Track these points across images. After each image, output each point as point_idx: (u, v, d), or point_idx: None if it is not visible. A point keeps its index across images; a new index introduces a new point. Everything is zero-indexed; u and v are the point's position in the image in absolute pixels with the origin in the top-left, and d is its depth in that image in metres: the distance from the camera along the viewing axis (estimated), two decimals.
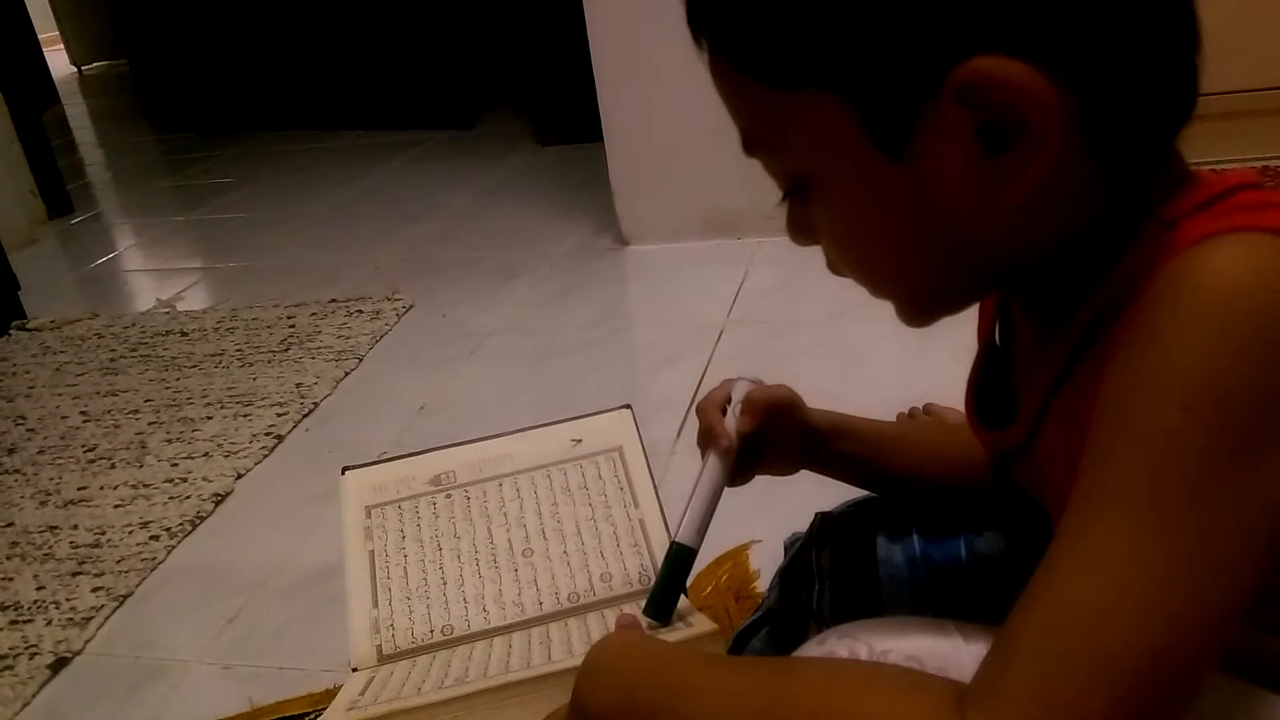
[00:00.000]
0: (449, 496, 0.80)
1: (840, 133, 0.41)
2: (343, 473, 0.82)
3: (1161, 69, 0.40)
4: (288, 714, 0.86)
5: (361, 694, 0.63)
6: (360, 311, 1.69)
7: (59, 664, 0.97)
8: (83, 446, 1.38)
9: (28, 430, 1.46)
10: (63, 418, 1.48)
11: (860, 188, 0.43)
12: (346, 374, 1.49)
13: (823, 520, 0.72)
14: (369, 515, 0.79)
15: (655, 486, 0.79)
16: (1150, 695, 0.33)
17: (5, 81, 2.33)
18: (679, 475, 1.07)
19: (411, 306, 1.69)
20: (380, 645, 0.72)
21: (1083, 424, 0.39)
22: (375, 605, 0.74)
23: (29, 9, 3.78)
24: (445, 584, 0.75)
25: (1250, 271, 0.36)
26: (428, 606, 0.74)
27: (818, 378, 1.24)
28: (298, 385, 1.46)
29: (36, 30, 4.18)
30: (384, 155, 2.69)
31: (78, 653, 0.99)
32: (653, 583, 0.65)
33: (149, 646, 0.99)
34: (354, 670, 0.71)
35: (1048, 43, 0.37)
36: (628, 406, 0.85)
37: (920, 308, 0.47)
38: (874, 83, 0.39)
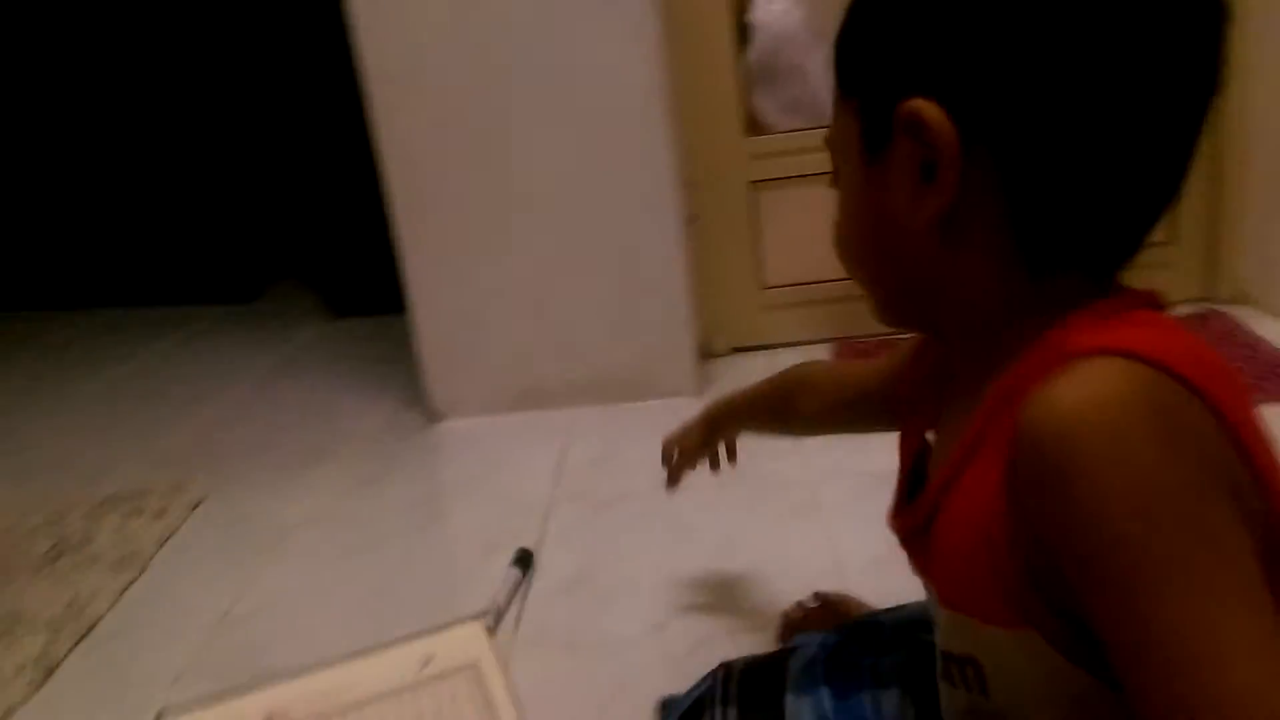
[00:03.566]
0: None
1: (852, 131, 0.51)
2: (156, 719, 0.72)
3: (1104, 191, 0.45)
4: None
5: None
6: (141, 510, 1.53)
7: None
8: None
9: None
10: None
11: (851, 177, 0.52)
12: (129, 584, 1.33)
13: (726, 673, 0.70)
14: None
15: (517, 704, 0.74)
16: None
17: None
18: (527, 671, 1.01)
19: (202, 500, 1.55)
20: None
21: (969, 522, 0.47)
22: None
23: None
24: None
25: (1112, 387, 0.41)
26: None
27: (650, 550, 1.24)
28: (70, 602, 1.29)
29: None
30: (156, 332, 2.52)
31: None
32: None
33: None
34: None
35: (977, 110, 0.44)
36: (479, 616, 0.80)
37: (880, 309, 0.56)
38: (867, 97, 0.49)
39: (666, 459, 1.00)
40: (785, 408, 0.88)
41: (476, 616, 0.80)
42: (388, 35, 1.58)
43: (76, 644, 1.20)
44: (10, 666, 1.16)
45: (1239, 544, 0.40)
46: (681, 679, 0.91)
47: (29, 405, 2.12)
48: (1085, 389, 0.41)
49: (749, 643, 1.00)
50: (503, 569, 1.20)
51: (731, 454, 1.00)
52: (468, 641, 0.78)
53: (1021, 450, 0.43)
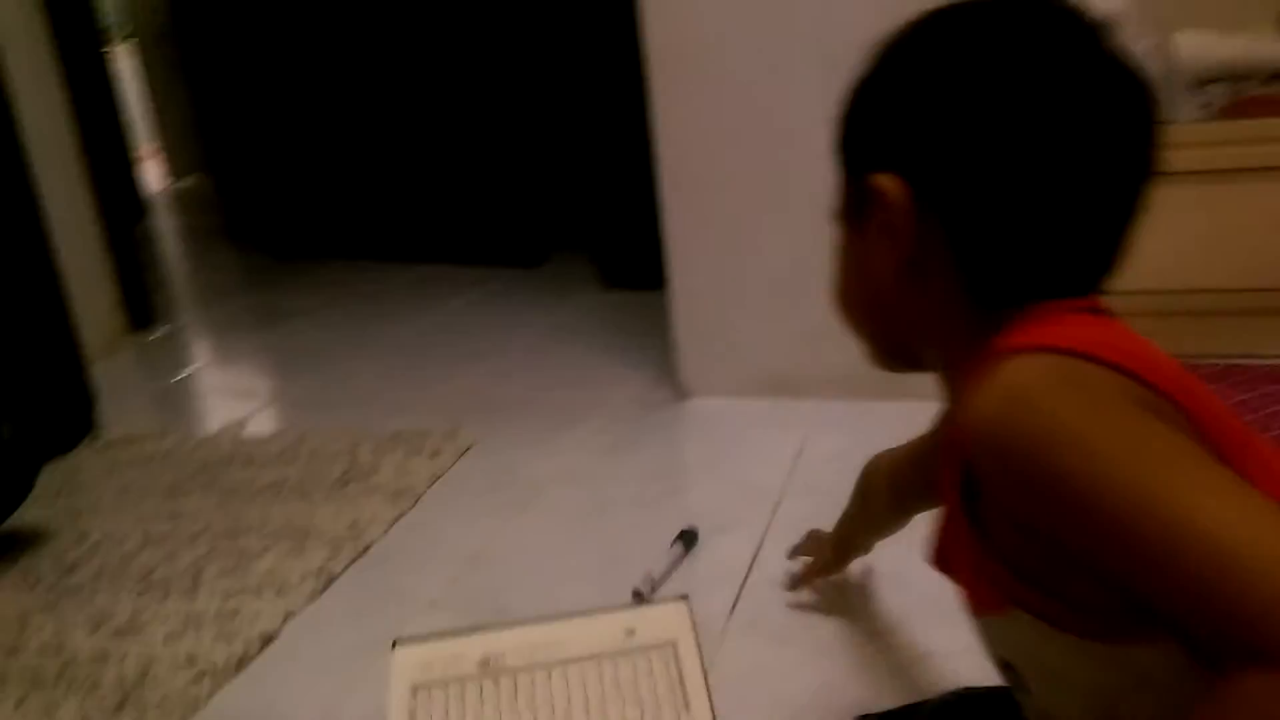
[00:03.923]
0: (496, 683, 0.79)
1: (845, 202, 0.62)
2: (393, 646, 0.82)
3: (1034, 248, 0.55)
4: None
5: None
6: (420, 449, 1.71)
7: None
8: (139, 572, 1.40)
9: (89, 549, 1.48)
10: (123, 539, 1.50)
11: (844, 240, 0.63)
12: (401, 514, 1.50)
13: None
14: (415, 695, 0.78)
15: (708, 688, 0.78)
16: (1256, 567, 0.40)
17: (101, 194, 2.45)
18: (731, 658, 1.05)
19: (470, 447, 1.70)
20: None
21: (954, 533, 0.58)
22: None
23: (132, 119, 4.03)
24: None
25: (1023, 376, 0.49)
26: None
27: (881, 556, 1.22)
28: (352, 524, 1.47)
29: (136, 142, 4.44)
30: (454, 289, 2.77)
31: None
32: None
33: None
34: None
35: (928, 183, 0.55)
36: (685, 598, 0.84)
37: (873, 353, 0.67)
38: (849, 172, 0.61)
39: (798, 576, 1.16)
40: (896, 510, 0.97)
41: (681, 597, 0.84)
42: (674, 16, 1.64)
43: (352, 562, 1.38)
44: (297, 574, 1.35)
45: (1180, 437, 0.45)
46: (890, 694, 0.91)
47: (346, 344, 2.41)
48: (1002, 382, 0.49)
49: (969, 666, 0.98)
50: (664, 545, 1.27)
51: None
52: (670, 620, 0.82)
53: (968, 453, 0.51)
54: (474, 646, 0.82)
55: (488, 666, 0.80)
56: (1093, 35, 0.53)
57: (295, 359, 2.38)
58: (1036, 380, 0.48)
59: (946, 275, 0.57)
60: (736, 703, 0.99)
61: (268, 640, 1.22)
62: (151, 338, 2.60)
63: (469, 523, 1.46)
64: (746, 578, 1.22)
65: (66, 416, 1.88)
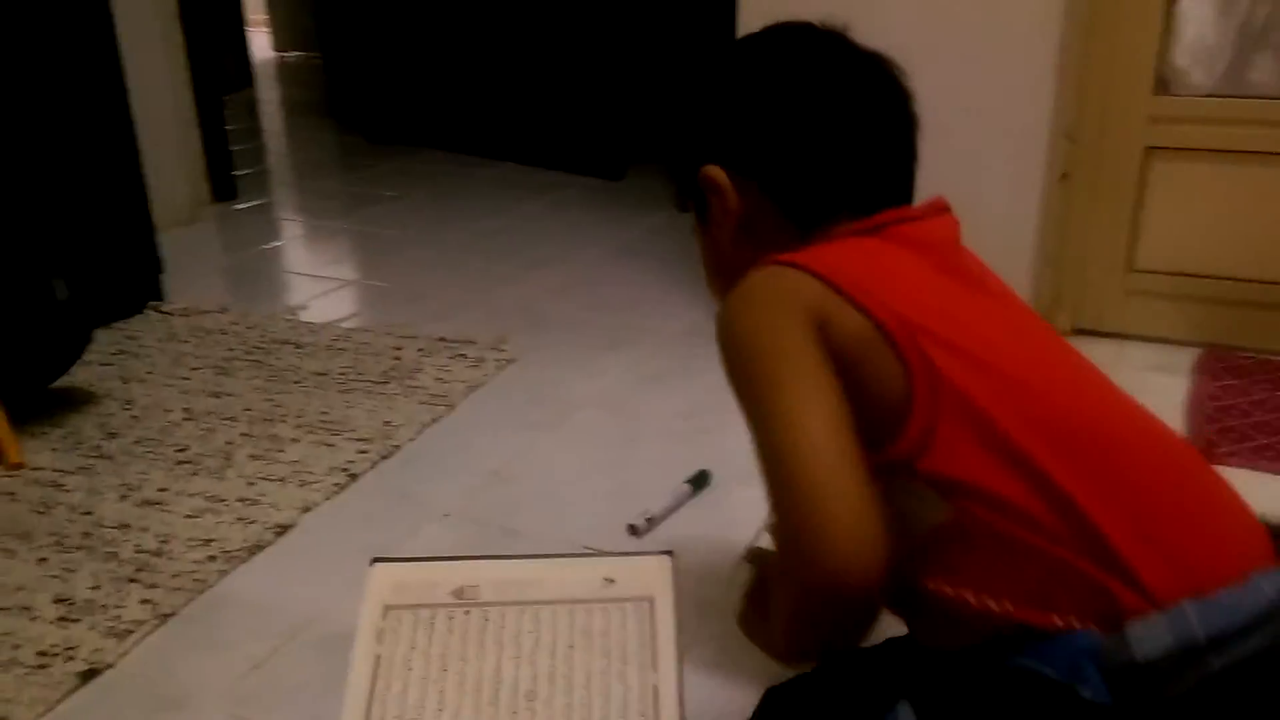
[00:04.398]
0: (468, 613, 0.78)
1: (694, 209, 0.79)
2: (371, 563, 0.81)
3: (828, 186, 0.73)
4: None
5: None
6: (464, 356, 1.70)
7: (89, 674, 0.99)
8: (175, 445, 1.43)
9: (132, 417, 1.52)
10: (166, 411, 1.54)
11: (701, 238, 0.80)
12: (434, 420, 1.49)
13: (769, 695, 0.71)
14: (385, 615, 0.77)
15: (679, 653, 0.75)
16: (804, 492, 0.59)
17: (196, 61, 2.46)
18: (726, 616, 1.02)
19: (512, 361, 1.69)
20: None
21: None
22: (368, 718, 0.72)
23: None
24: (441, 711, 0.72)
25: (758, 276, 0.68)
26: None
27: None
28: (385, 423, 1.48)
29: (246, 12, 4.46)
30: (532, 194, 2.74)
31: (109, 665, 1.01)
32: None
33: (173, 675, 1.00)
34: None
35: (739, 161, 0.74)
36: (669, 553, 0.81)
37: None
38: (688, 173, 0.77)
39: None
40: None
41: (665, 552, 0.81)
42: None
43: (378, 463, 1.38)
44: (325, 466, 1.36)
45: (815, 365, 0.62)
46: None
47: (416, 236, 2.40)
48: (738, 287, 0.68)
49: None
50: (677, 483, 1.24)
51: None
52: (651, 574, 0.79)
53: None
54: (451, 575, 0.80)
55: (461, 596, 0.79)
56: (837, 36, 0.76)
57: (365, 247, 2.39)
58: (751, 282, 0.67)
59: (772, 220, 0.73)
60: (716, 666, 0.97)
61: (283, 531, 1.23)
62: (233, 209, 2.63)
63: (497, 437, 1.45)
64: (759, 534, 1.18)
65: (131, 282, 1.92)
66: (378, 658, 0.75)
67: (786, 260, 0.66)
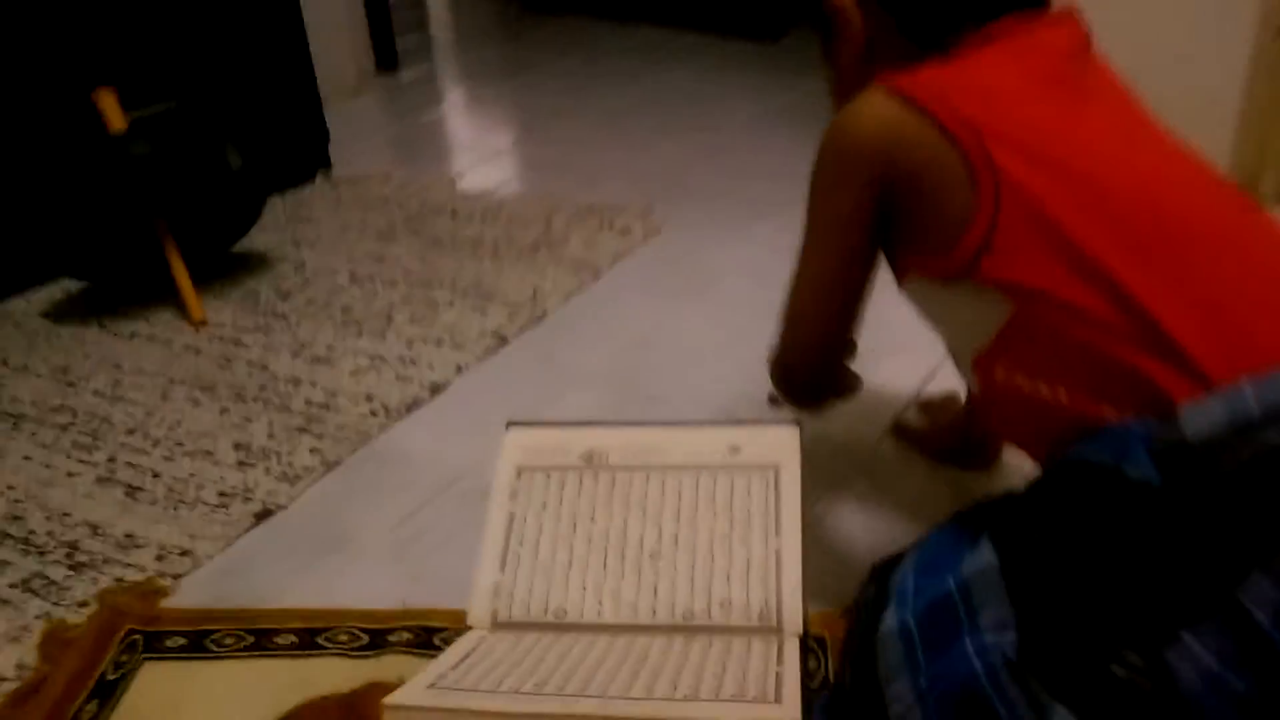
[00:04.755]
0: (596, 477, 0.80)
1: (823, 47, 0.83)
2: (506, 427, 0.84)
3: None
4: (431, 624, 0.92)
5: (455, 667, 0.66)
6: (610, 225, 1.70)
7: (263, 515, 1.09)
8: (341, 307, 1.51)
9: (303, 279, 1.61)
10: (333, 274, 1.62)
11: (830, 75, 0.84)
12: (580, 288, 1.51)
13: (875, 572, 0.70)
14: (519, 476, 0.81)
15: (803, 520, 0.75)
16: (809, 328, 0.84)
17: None
18: (885, 479, 1.02)
19: (660, 229, 1.68)
20: (496, 611, 0.74)
21: None
22: (502, 569, 0.76)
23: None
24: (570, 566, 0.75)
25: (849, 110, 0.74)
26: (549, 585, 0.75)
27: None
28: (534, 290, 1.51)
29: None
30: (684, 57, 2.66)
31: (281, 507, 1.10)
32: None
33: (337, 519, 1.08)
34: (469, 628, 0.74)
35: None
36: (798, 423, 0.80)
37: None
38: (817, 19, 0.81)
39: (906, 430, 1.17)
40: None
41: (794, 422, 0.80)
42: None
43: (526, 328, 1.42)
44: (475, 331, 1.41)
45: (856, 234, 0.76)
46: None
47: (570, 103, 2.39)
48: (829, 127, 0.76)
49: None
50: None
51: None
52: (778, 443, 0.79)
53: None
54: (581, 439, 0.82)
55: (590, 460, 0.81)
56: None
57: (520, 114, 2.40)
58: (830, 131, 0.77)
59: (893, 39, 0.76)
60: (844, 539, 0.97)
61: (437, 389, 1.29)
62: (397, 79, 2.68)
63: (642, 305, 1.46)
64: (908, 405, 1.16)
65: (301, 151, 2.00)
66: (511, 515, 0.78)
67: (882, 83, 0.72)
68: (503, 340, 1.39)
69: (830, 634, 0.85)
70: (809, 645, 0.83)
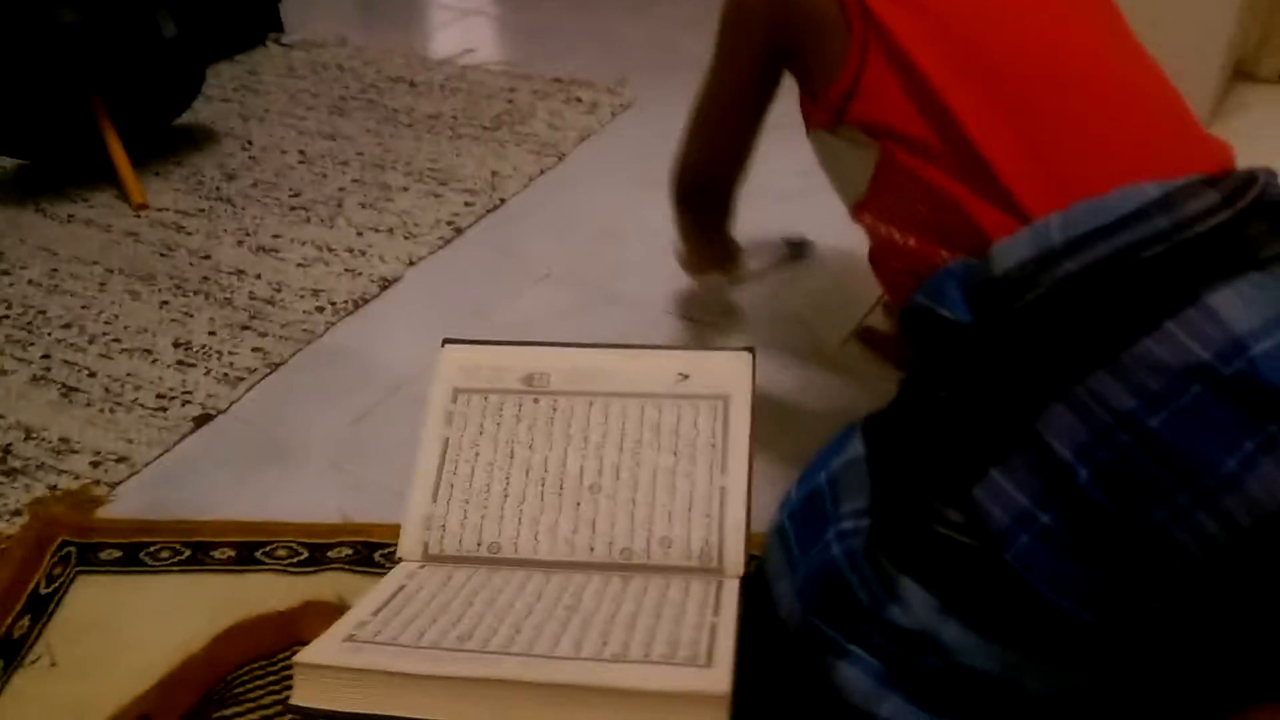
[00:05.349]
0: (536, 401, 0.75)
1: None
2: (442, 344, 0.79)
3: None
4: (372, 539, 0.89)
5: (377, 611, 0.63)
6: (579, 100, 1.60)
7: (203, 419, 1.05)
8: (290, 190, 1.43)
9: (250, 158, 1.52)
10: (282, 153, 1.53)
11: None
12: (543, 171, 1.43)
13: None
14: (455, 399, 0.76)
15: (751, 455, 0.71)
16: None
17: None
18: (850, 383, 0.98)
19: (628, 106, 1.58)
20: (428, 544, 0.71)
21: None
22: (434, 499, 0.72)
23: None
24: (506, 497, 0.72)
25: None
26: (482, 517, 0.71)
27: None
28: (493, 174, 1.43)
29: None
30: None
31: (221, 411, 1.06)
32: None
33: (280, 424, 1.04)
34: (399, 560, 0.71)
35: None
36: (750, 350, 0.75)
37: None
38: None
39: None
40: None
41: (746, 349, 0.75)
42: None
43: (484, 216, 1.35)
44: (431, 218, 1.34)
45: (749, 79, 0.84)
46: None
47: None
48: None
49: None
50: (776, 240, 1.12)
51: None
52: (729, 371, 0.74)
53: None
54: (522, 360, 0.77)
55: (530, 384, 0.76)
56: None
57: None
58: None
59: None
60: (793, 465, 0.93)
61: (387, 284, 1.23)
62: None
63: (607, 191, 1.38)
64: (869, 313, 1.11)
65: (249, 14, 1.87)
66: (445, 441, 0.74)
67: None
68: (458, 231, 1.32)
69: None
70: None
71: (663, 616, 0.61)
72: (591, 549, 0.69)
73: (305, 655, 0.56)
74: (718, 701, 0.52)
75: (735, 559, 0.67)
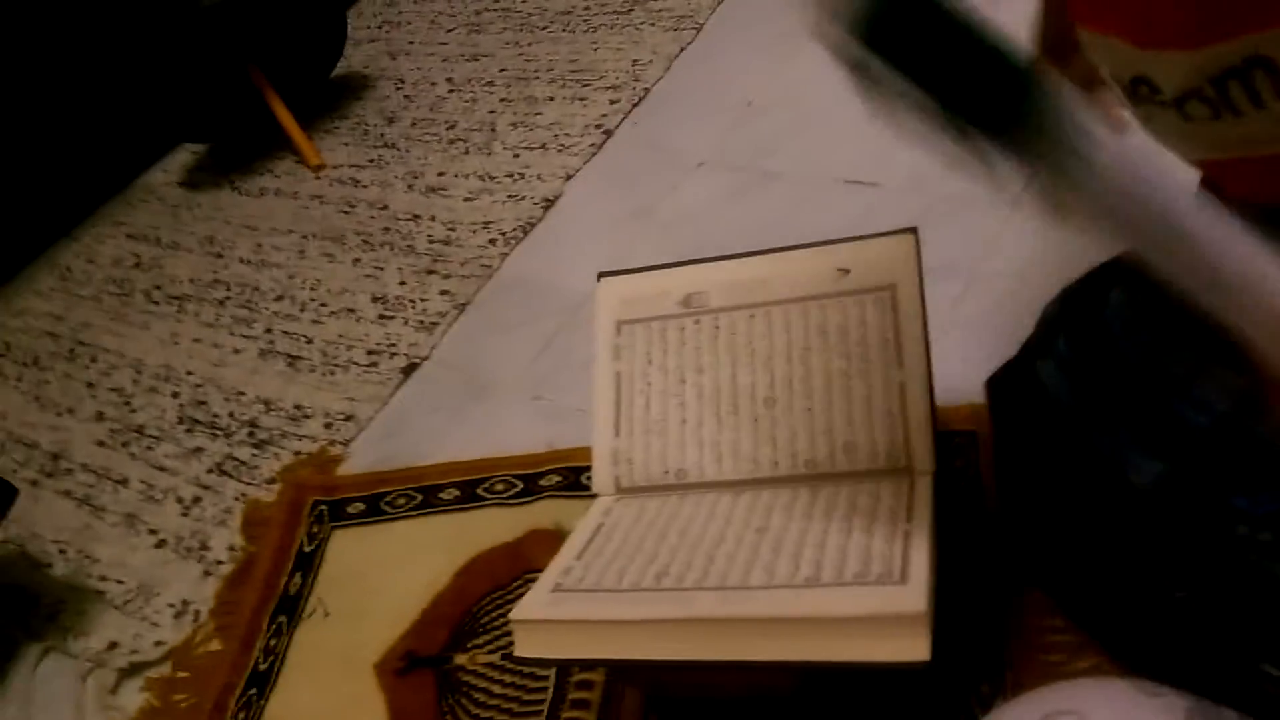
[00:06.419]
0: (698, 322, 0.75)
1: None
2: (598, 278, 0.80)
3: None
4: (576, 463, 0.94)
5: (580, 555, 0.66)
6: None
7: (409, 368, 1.12)
8: (445, 123, 1.46)
9: (405, 97, 1.56)
10: (432, 84, 1.56)
11: None
12: (681, 49, 1.38)
13: None
14: (619, 332, 0.77)
15: (927, 343, 0.68)
16: None
17: None
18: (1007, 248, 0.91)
19: None
20: (619, 478, 0.74)
21: None
22: (617, 433, 0.75)
23: None
24: (684, 423, 0.73)
25: None
26: (664, 444, 0.73)
27: None
28: (633, 63, 1.39)
29: None
30: None
31: (425, 358, 1.13)
32: None
33: (477, 363, 1.10)
34: (596, 496, 0.74)
35: None
36: (913, 230, 0.71)
37: None
38: None
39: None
40: None
41: (908, 230, 0.71)
42: None
43: (630, 111, 1.32)
44: (580, 125, 1.33)
45: None
46: None
47: None
48: None
49: None
50: None
51: None
52: (892, 257, 0.70)
53: None
54: (678, 282, 0.77)
55: (689, 305, 0.76)
56: None
57: None
58: None
59: None
60: (974, 343, 0.88)
61: (550, 204, 1.25)
62: None
63: (748, 56, 1.32)
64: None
65: None
66: (618, 375, 0.76)
67: None
68: (607, 133, 1.31)
69: (980, 429, 0.80)
70: (954, 444, 0.78)
71: (854, 530, 0.61)
72: (776, 464, 0.69)
73: (518, 611, 0.61)
74: (915, 619, 0.52)
75: (924, 456, 0.65)
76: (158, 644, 0.95)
